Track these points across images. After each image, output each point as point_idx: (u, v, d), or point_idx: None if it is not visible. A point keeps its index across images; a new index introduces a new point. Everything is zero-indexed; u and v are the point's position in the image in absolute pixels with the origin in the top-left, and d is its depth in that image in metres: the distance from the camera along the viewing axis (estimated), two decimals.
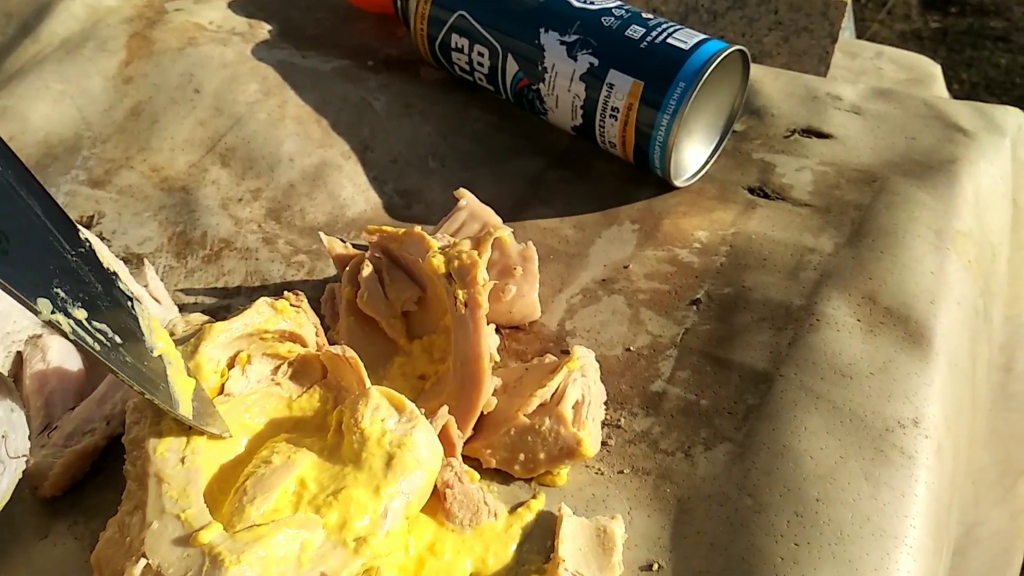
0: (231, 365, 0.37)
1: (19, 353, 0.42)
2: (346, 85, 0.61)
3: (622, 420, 0.42)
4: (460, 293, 0.40)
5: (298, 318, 0.39)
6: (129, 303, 0.33)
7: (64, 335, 0.29)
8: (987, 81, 2.49)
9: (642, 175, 0.54)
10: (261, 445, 0.36)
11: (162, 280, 0.49)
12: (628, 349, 0.45)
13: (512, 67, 0.54)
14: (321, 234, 0.47)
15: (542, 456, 0.39)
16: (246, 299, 0.49)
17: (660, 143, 0.50)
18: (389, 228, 0.45)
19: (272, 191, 0.55)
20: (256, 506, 0.32)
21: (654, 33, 0.50)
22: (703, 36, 0.50)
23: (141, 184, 0.55)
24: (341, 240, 0.47)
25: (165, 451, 0.33)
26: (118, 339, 0.31)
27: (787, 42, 0.64)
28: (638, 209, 0.53)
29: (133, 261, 0.51)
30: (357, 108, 0.59)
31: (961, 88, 2.53)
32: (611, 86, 0.50)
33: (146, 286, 0.45)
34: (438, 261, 0.41)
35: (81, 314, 0.30)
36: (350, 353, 0.37)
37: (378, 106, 0.60)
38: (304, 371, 0.39)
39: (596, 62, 0.51)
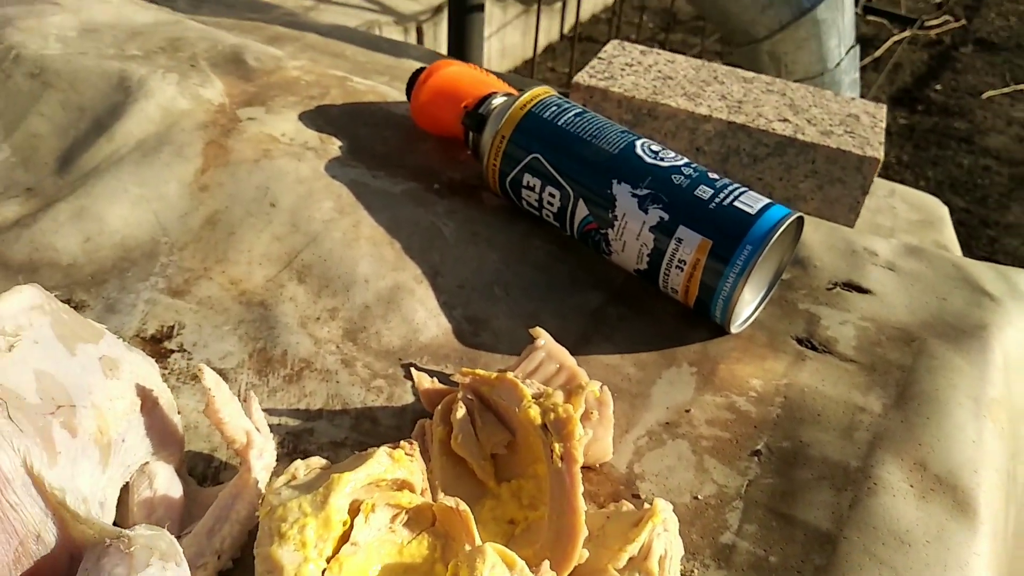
0: (354, 513, 0.39)
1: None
2: (416, 209, 0.64)
3: (695, 571, 0.45)
4: (557, 447, 0.43)
5: (411, 466, 0.42)
6: None
7: None
8: (951, 180, 2.61)
9: (696, 317, 0.58)
10: None
11: (243, 399, 0.51)
12: (696, 497, 0.48)
13: (582, 211, 0.58)
14: (413, 370, 0.50)
15: None
16: (328, 423, 0.51)
17: (724, 297, 0.54)
18: (482, 372, 0.48)
19: (348, 311, 0.58)
20: None
21: (722, 195, 0.55)
22: (767, 201, 0.55)
23: (220, 296, 0.57)
24: (429, 375, 0.50)
25: None
26: None
27: (821, 189, 0.69)
28: (694, 351, 0.57)
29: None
30: (427, 233, 0.63)
31: (927, 185, 2.65)
32: (680, 240, 0.54)
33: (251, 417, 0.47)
34: (534, 412, 0.44)
35: None
36: (463, 507, 0.40)
37: (447, 232, 0.63)
38: (416, 518, 0.41)
39: (666, 217, 0.55)
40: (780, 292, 0.61)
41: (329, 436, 0.50)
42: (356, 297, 0.58)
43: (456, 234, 0.63)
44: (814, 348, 0.57)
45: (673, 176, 0.56)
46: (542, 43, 2.63)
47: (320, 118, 0.71)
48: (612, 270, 0.62)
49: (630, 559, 0.42)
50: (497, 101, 0.64)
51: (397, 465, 0.41)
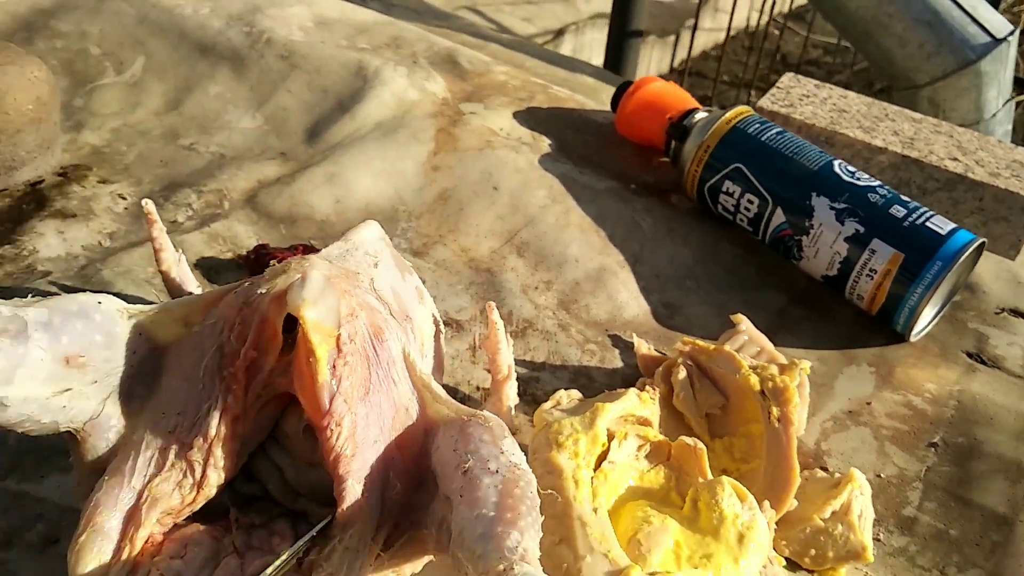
0: (610, 438, 0.47)
1: None
2: (617, 204, 0.72)
3: (881, 535, 0.51)
4: (775, 410, 0.50)
5: (653, 407, 0.49)
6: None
7: None
8: None
9: (873, 324, 0.64)
10: (622, 506, 0.46)
11: (479, 348, 0.59)
12: (879, 475, 0.54)
13: (778, 218, 0.65)
14: (634, 336, 0.58)
15: (830, 554, 0.48)
16: (550, 374, 0.59)
17: (910, 307, 0.60)
18: (700, 342, 0.55)
19: (561, 285, 0.65)
20: (653, 555, 0.42)
21: (915, 215, 0.61)
22: (954, 225, 0.61)
23: (453, 260, 0.66)
24: (646, 344, 0.57)
25: (582, 500, 0.42)
26: None
27: (985, 226, 0.74)
28: (872, 354, 0.63)
29: (452, 325, 0.61)
30: (628, 225, 0.70)
31: None
32: (873, 251, 0.61)
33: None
34: (754, 380, 0.51)
35: None
36: (700, 445, 0.47)
37: (645, 226, 0.70)
38: (655, 452, 0.48)
39: (862, 229, 0.61)
40: (951, 311, 0.66)
41: (552, 385, 0.58)
42: (568, 273, 0.66)
43: (653, 229, 0.70)
44: (983, 363, 0.62)
45: (869, 194, 0.62)
46: (653, 73, 2.70)
47: (531, 118, 0.80)
48: (794, 275, 0.68)
49: (832, 512, 0.49)
50: (700, 115, 0.72)
51: (643, 405, 0.49)
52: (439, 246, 0.67)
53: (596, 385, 0.58)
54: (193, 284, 0.54)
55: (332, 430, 0.36)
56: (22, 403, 0.34)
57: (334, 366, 0.36)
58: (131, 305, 0.39)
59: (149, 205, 0.51)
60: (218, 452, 0.37)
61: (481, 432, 0.36)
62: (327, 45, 0.84)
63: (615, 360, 0.60)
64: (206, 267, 0.63)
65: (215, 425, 0.37)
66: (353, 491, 0.36)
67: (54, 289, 0.59)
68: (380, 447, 0.38)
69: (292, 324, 0.38)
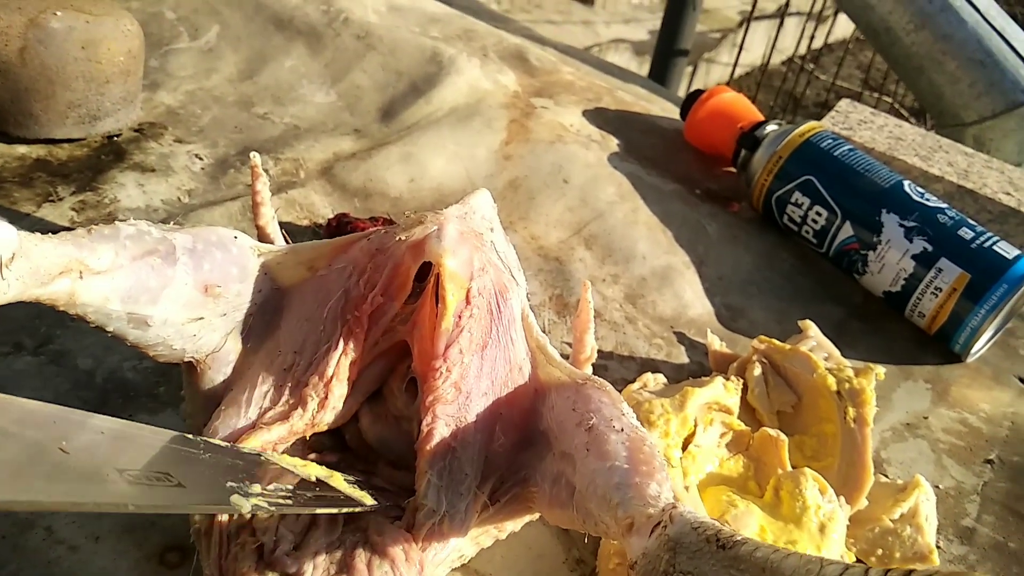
0: (696, 423, 0.47)
1: None
2: (683, 207, 0.73)
3: (941, 543, 0.52)
4: (851, 410, 0.51)
5: (736, 397, 0.50)
6: (259, 456, 0.36)
7: (269, 511, 0.32)
8: None
9: (927, 343, 0.66)
10: (703, 490, 0.47)
11: (548, 333, 0.60)
12: (936, 486, 0.55)
13: (846, 232, 0.66)
14: (709, 332, 0.59)
15: (897, 555, 0.49)
16: (618, 364, 0.60)
17: (972, 327, 0.61)
18: (776, 342, 0.56)
19: (628, 279, 0.66)
20: None
21: (982, 238, 0.62)
22: (1019, 251, 0.62)
23: (523, 246, 0.67)
24: (719, 340, 0.58)
25: (673, 477, 0.43)
26: (287, 487, 0.34)
27: None
28: (928, 371, 0.64)
29: None
30: (694, 228, 0.71)
31: None
32: (939, 270, 0.62)
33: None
34: (830, 381, 0.52)
35: (256, 488, 0.32)
36: (782, 437, 0.48)
37: (710, 230, 0.72)
38: (736, 441, 0.49)
39: (930, 248, 0.63)
40: (1004, 337, 0.68)
41: (621, 375, 0.59)
42: (635, 269, 0.67)
43: (718, 233, 0.72)
44: None
45: (939, 215, 0.64)
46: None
47: (599, 117, 0.81)
48: (850, 289, 0.70)
49: (901, 515, 0.50)
50: (772, 127, 0.73)
51: (728, 394, 0.50)
52: (509, 232, 0.68)
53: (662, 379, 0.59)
54: (283, 243, 0.55)
55: (441, 374, 0.37)
56: (162, 325, 0.35)
57: (459, 316, 0.37)
58: (261, 244, 0.40)
59: (256, 158, 0.52)
60: (336, 392, 0.38)
61: (600, 395, 0.37)
62: (401, 30, 0.85)
63: (681, 355, 0.61)
64: (284, 232, 0.64)
65: (333, 365, 0.38)
66: (440, 431, 0.37)
67: None
68: (489, 399, 0.39)
69: (422, 275, 0.39)
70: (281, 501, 0.32)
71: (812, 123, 0.71)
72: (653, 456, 0.33)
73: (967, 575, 0.22)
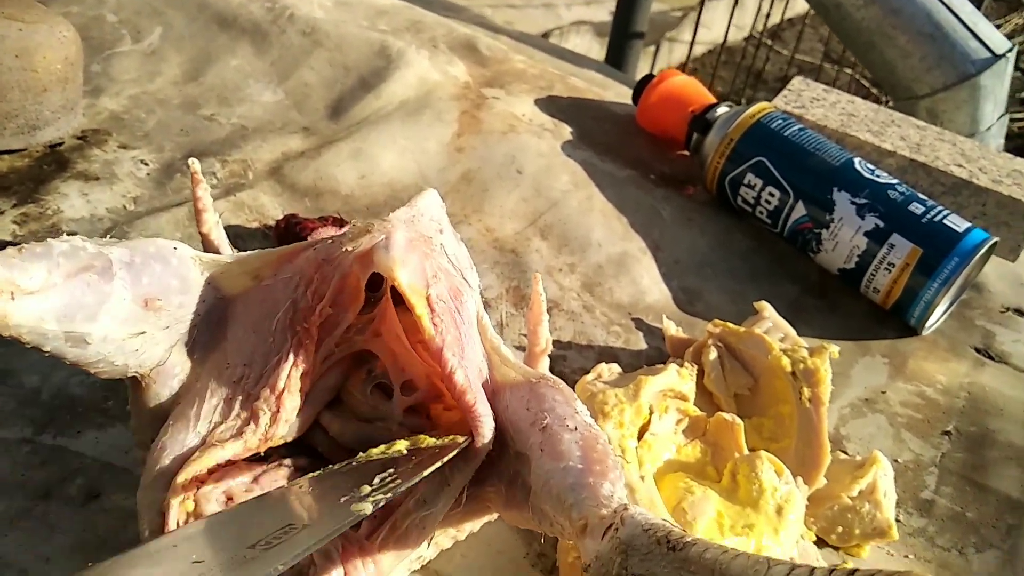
0: (651, 411, 0.48)
1: None
2: (637, 192, 0.73)
3: (901, 516, 0.52)
4: (806, 390, 0.51)
5: (690, 383, 0.50)
6: (350, 462, 0.36)
7: (387, 498, 0.32)
8: None
9: (884, 317, 0.66)
10: (661, 478, 0.47)
11: (505, 326, 0.60)
12: (896, 460, 0.56)
13: (799, 211, 0.67)
14: (664, 318, 0.59)
15: (857, 531, 0.49)
16: (577, 353, 0.60)
17: (925, 301, 0.62)
18: (731, 325, 0.56)
19: (585, 268, 0.66)
20: (698, 523, 0.43)
21: (932, 212, 0.63)
22: (969, 223, 0.63)
23: (478, 239, 0.66)
24: (675, 326, 0.59)
25: (628, 468, 0.43)
26: (389, 471, 0.35)
27: (987, 229, 0.77)
28: (885, 346, 0.65)
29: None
30: (649, 213, 0.71)
31: None
32: (892, 246, 0.63)
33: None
34: (785, 361, 0.53)
35: (365, 489, 0.33)
36: (737, 421, 0.48)
37: (665, 215, 0.72)
38: (692, 427, 0.49)
39: (882, 224, 0.63)
40: (959, 309, 0.69)
41: (579, 364, 0.59)
42: (591, 257, 0.67)
43: (672, 218, 0.72)
44: (991, 358, 0.65)
45: (889, 191, 0.64)
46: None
47: (551, 106, 0.81)
48: (806, 267, 0.70)
49: (859, 492, 0.50)
50: (723, 109, 0.73)
51: (682, 380, 0.50)
52: (464, 225, 0.67)
53: (622, 365, 0.59)
54: (228, 249, 0.54)
55: (455, 370, 0.36)
56: (102, 342, 0.34)
57: (434, 324, 0.37)
58: (203, 254, 0.39)
59: (195, 164, 0.51)
60: (288, 404, 0.37)
61: (553, 392, 0.37)
62: (349, 24, 0.84)
63: (639, 342, 0.61)
64: (232, 235, 0.62)
65: (284, 378, 0.38)
66: (488, 415, 0.37)
67: None
68: None
69: (375, 284, 0.38)
70: (392, 484, 0.33)
71: (762, 104, 0.71)
72: (606, 455, 0.33)
73: (908, 575, 0.22)
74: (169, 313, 0.37)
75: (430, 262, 0.39)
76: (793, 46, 2.18)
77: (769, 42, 2.40)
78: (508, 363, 0.39)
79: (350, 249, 0.38)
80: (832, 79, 2.43)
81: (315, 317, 0.38)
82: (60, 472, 0.45)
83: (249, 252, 0.41)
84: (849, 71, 2.49)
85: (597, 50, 2.49)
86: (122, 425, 0.47)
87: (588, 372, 0.58)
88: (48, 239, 0.33)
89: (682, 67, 2.95)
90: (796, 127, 0.69)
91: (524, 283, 0.64)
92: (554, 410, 0.36)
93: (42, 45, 0.63)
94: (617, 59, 1.36)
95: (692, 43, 1.61)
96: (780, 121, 0.69)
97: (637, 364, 0.60)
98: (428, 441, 0.37)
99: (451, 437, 0.37)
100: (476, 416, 0.36)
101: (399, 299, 0.38)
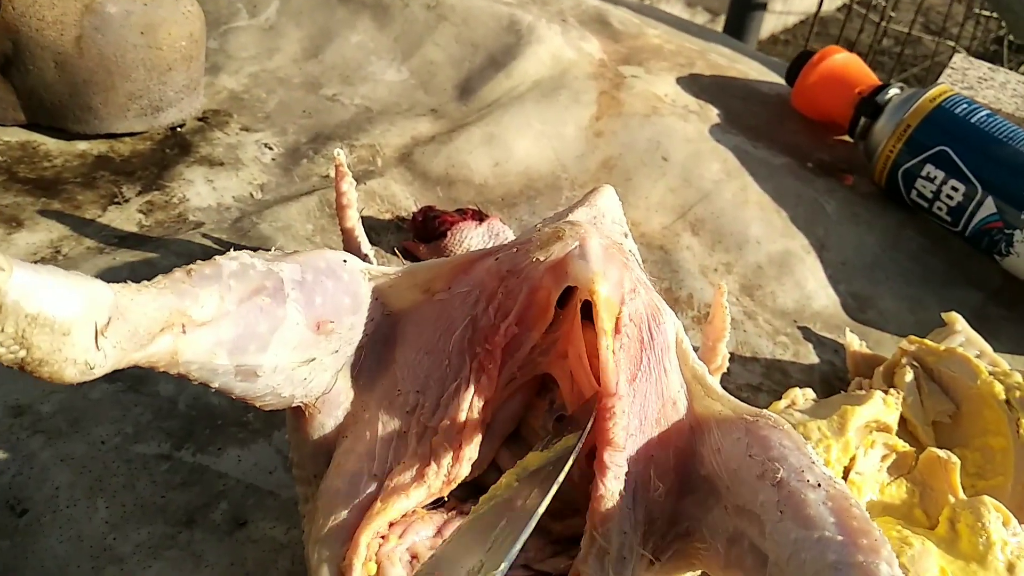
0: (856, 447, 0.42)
1: None
2: (796, 183, 0.66)
3: None
4: (1023, 421, 0.45)
5: (895, 412, 0.44)
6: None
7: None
8: None
9: None
10: None
11: None
12: None
13: (987, 209, 0.59)
14: (848, 331, 0.52)
15: None
16: (740, 366, 0.54)
17: None
18: (928, 342, 0.49)
19: (742, 268, 0.60)
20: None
21: None
22: None
23: None
24: (858, 340, 0.52)
25: None
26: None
27: None
28: None
29: None
30: (810, 207, 0.65)
31: None
32: None
33: None
34: (998, 388, 0.46)
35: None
36: (953, 459, 0.42)
37: (829, 209, 0.65)
38: (898, 463, 0.43)
39: None
40: None
41: (745, 379, 0.53)
42: (749, 256, 0.61)
43: (838, 212, 0.65)
44: None
45: None
46: None
47: (694, 85, 0.74)
48: (987, 272, 0.63)
49: None
50: (894, 91, 0.66)
51: (888, 410, 0.43)
52: None
53: (792, 382, 0.53)
54: (367, 245, 0.50)
55: (613, 415, 0.31)
56: (272, 373, 0.30)
57: (613, 351, 0.32)
58: (370, 267, 0.35)
59: (340, 156, 0.46)
60: (471, 439, 0.33)
61: (780, 436, 0.31)
62: None
63: (810, 355, 0.55)
64: (365, 227, 0.58)
65: (465, 408, 0.33)
66: (611, 487, 0.31)
67: (208, 243, 0.55)
68: (640, 441, 0.33)
69: (562, 299, 0.33)
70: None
71: (943, 86, 0.64)
72: (868, 522, 0.27)
73: None
74: (340, 336, 0.32)
75: (628, 274, 0.33)
76: (888, 16, 2.04)
77: (864, 11, 2.25)
78: (713, 394, 0.34)
79: (540, 258, 0.33)
80: (932, 51, 2.28)
81: (499, 337, 0.33)
82: (203, 495, 0.41)
83: (419, 264, 0.36)
84: (952, 43, 2.33)
85: (689, 19, 2.38)
86: (264, 441, 0.44)
87: (755, 388, 0.53)
88: (215, 257, 0.29)
89: (772, 39, 2.81)
90: (984, 112, 0.61)
91: (676, 284, 0.58)
92: (786, 459, 0.30)
93: (166, 21, 0.60)
94: (737, 30, 1.28)
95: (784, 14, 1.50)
96: (965, 105, 0.62)
97: (810, 381, 0.54)
98: (534, 458, 0.32)
99: (561, 443, 0.32)
100: (604, 471, 0.31)
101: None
